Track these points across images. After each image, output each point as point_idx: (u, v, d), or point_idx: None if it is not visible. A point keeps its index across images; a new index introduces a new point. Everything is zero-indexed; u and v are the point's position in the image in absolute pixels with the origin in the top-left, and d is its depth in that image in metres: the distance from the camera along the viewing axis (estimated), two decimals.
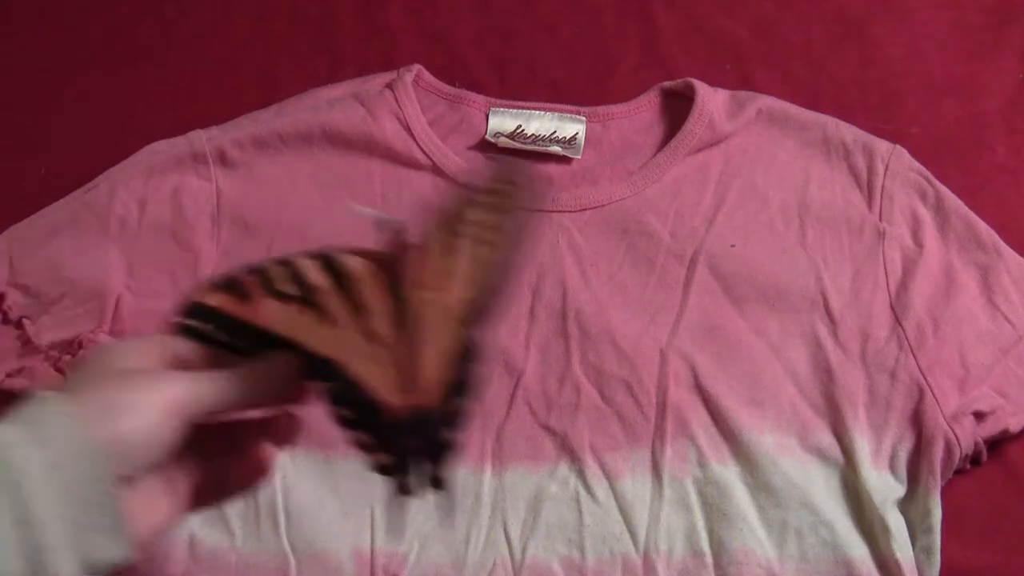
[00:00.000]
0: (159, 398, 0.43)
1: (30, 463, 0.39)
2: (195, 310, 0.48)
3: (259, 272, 0.48)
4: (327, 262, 0.48)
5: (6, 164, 0.73)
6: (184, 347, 0.47)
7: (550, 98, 0.71)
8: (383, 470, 0.47)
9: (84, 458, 0.40)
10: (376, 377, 0.47)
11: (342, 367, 0.47)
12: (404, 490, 0.47)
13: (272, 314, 0.47)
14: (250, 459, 0.47)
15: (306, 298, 0.48)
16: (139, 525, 0.43)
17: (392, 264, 0.48)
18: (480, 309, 0.48)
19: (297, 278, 0.48)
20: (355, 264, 0.48)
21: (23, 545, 0.39)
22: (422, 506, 0.58)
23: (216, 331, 0.47)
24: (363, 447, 0.46)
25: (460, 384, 0.47)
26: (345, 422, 0.47)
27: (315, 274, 0.48)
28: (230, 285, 0.48)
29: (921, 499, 0.57)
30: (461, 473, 0.59)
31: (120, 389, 0.43)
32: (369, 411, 0.47)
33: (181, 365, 0.46)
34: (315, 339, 0.47)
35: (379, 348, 0.48)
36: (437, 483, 0.48)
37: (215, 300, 0.48)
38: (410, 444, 0.47)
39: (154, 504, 0.45)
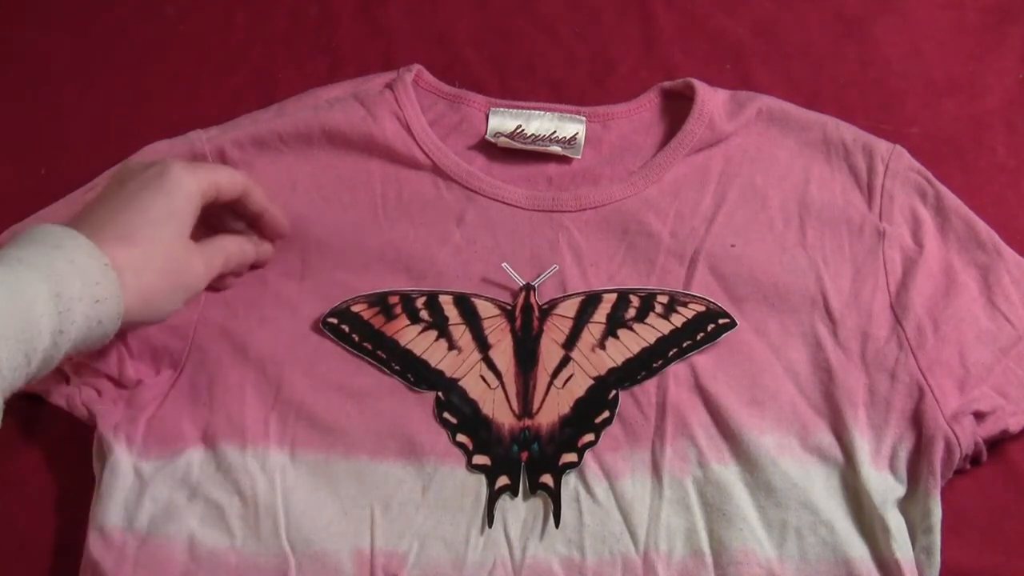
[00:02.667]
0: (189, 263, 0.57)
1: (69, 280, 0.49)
2: (346, 315, 0.62)
3: (404, 297, 0.62)
4: (461, 300, 0.62)
5: (6, 164, 0.73)
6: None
7: (550, 98, 0.72)
8: (482, 470, 0.59)
9: (108, 281, 0.50)
10: (488, 398, 0.61)
11: (457, 383, 0.61)
12: (502, 490, 0.58)
13: (408, 333, 0.62)
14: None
15: (439, 326, 0.62)
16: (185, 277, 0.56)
17: (519, 314, 0.62)
18: (621, 377, 0.60)
19: (434, 308, 0.62)
20: (485, 307, 0.62)
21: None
22: (422, 506, 0.58)
23: (360, 338, 0.61)
24: (463, 448, 0.59)
25: (577, 421, 0.60)
26: (447, 425, 0.60)
27: (450, 308, 0.62)
28: (379, 302, 0.62)
29: (921, 499, 0.57)
30: (461, 473, 0.59)
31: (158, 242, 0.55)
32: (476, 422, 0.60)
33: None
34: (440, 359, 0.61)
35: (495, 376, 0.61)
36: (537, 488, 0.58)
37: (365, 312, 0.62)
38: (516, 454, 0.59)
39: (192, 263, 0.57)
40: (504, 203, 0.66)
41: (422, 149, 0.67)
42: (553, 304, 0.63)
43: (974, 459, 0.60)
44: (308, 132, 0.67)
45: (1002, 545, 0.59)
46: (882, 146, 0.66)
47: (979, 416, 0.59)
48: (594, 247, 0.64)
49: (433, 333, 0.62)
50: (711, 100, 0.68)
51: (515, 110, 0.69)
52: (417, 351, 0.62)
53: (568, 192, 0.66)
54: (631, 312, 0.62)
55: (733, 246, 0.64)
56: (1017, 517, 0.60)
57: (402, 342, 0.62)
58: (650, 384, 0.60)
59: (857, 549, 0.56)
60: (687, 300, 0.62)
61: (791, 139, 0.67)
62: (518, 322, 0.62)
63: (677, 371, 0.61)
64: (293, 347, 0.62)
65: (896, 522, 0.56)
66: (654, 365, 0.61)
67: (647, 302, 0.62)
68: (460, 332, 0.62)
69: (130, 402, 0.60)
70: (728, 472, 0.58)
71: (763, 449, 0.58)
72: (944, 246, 0.63)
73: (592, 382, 0.61)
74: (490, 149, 0.68)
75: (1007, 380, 0.60)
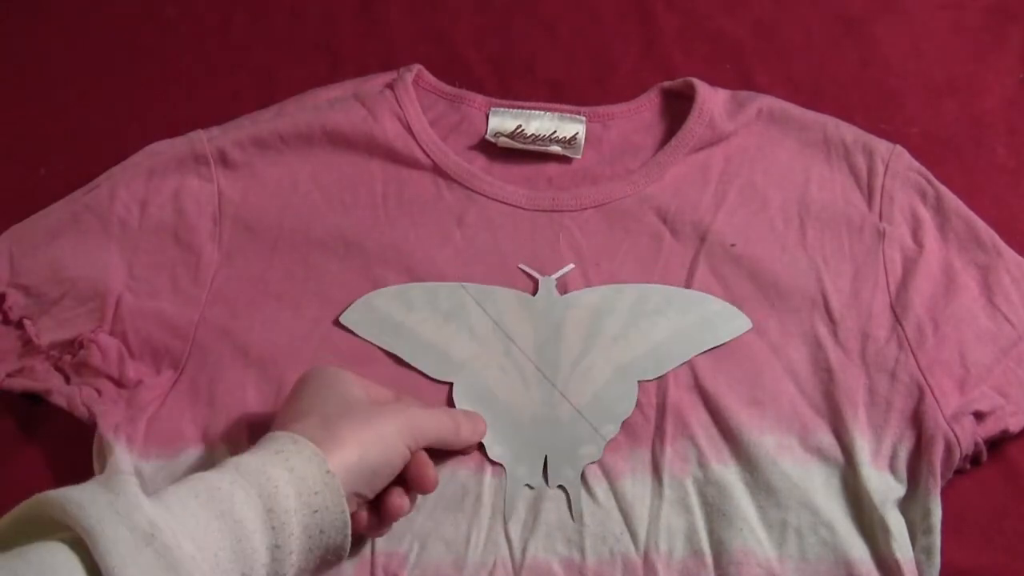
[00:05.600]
0: (400, 433, 0.52)
1: (284, 491, 0.47)
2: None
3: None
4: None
5: (6, 164, 0.73)
6: (377, 390, 0.57)
7: (550, 98, 0.71)
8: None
9: (330, 489, 0.48)
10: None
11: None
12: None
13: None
14: (392, 501, 0.54)
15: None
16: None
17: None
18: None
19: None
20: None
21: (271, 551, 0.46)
22: (422, 507, 0.58)
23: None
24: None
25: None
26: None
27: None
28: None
29: (921, 499, 0.57)
30: (462, 474, 0.59)
31: (365, 421, 0.52)
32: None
33: (377, 399, 0.56)
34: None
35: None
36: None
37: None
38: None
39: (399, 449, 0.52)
40: (504, 203, 0.66)
41: (423, 149, 0.67)
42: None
43: (974, 459, 0.60)
44: (309, 132, 0.67)
45: (1002, 545, 0.59)
46: (882, 146, 0.67)
47: (979, 416, 0.59)
48: (595, 246, 0.64)
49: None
50: (711, 99, 0.68)
51: (515, 110, 0.69)
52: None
53: (568, 192, 0.66)
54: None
55: (733, 245, 0.64)
56: (1017, 517, 0.60)
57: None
58: (650, 384, 0.61)
59: (857, 549, 0.56)
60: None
61: (791, 139, 0.67)
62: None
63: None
64: (294, 347, 0.62)
65: (896, 522, 0.56)
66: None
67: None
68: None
69: (131, 402, 0.60)
70: (728, 472, 0.58)
71: (763, 449, 0.58)
72: (944, 246, 0.63)
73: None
74: (490, 149, 0.68)
75: (1007, 380, 0.60)
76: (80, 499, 0.42)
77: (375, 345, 0.62)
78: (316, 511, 0.48)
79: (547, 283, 0.63)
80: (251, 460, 0.48)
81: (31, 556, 0.41)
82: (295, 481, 0.47)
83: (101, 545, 0.40)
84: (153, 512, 0.43)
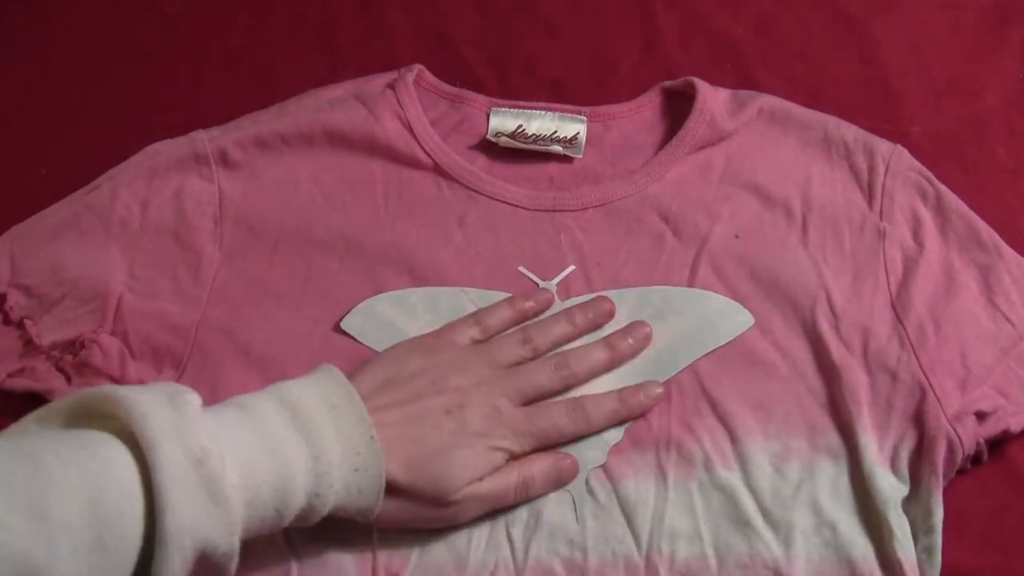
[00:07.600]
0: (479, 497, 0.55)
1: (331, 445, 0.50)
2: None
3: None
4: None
5: (6, 164, 0.73)
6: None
7: (550, 98, 0.71)
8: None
9: (371, 452, 0.51)
10: None
11: None
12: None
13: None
14: None
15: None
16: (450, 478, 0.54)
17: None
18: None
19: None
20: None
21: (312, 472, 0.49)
22: None
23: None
24: None
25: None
26: None
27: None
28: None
29: (923, 499, 0.57)
30: None
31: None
32: None
33: None
34: None
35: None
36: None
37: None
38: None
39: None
40: (506, 203, 0.66)
41: (424, 149, 0.67)
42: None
43: (975, 459, 0.60)
44: (310, 132, 0.67)
45: (1002, 545, 0.59)
46: (883, 146, 0.67)
47: (980, 416, 0.59)
48: (597, 246, 0.64)
49: None
50: (712, 99, 0.68)
51: (516, 110, 0.69)
52: None
53: (570, 191, 0.66)
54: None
55: (737, 239, 0.64)
56: (1017, 517, 0.60)
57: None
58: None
59: (860, 548, 0.56)
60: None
61: (792, 138, 0.67)
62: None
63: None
64: (296, 347, 0.62)
65: (899, 522, 0.56)
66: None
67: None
68: None
69: None
70: (733, 476, 0.58)
71: (768, 451, 0.58)
72: (945, 246, 0.64)
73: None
74: (491, 149, 0.68)
75: (1008, 380, 0.60)
76: (145, 409, 0.44)
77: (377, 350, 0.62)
78: (356, 470, 0.50)
79: (548, 288, 0.63)
80: (305, 405, 0.50)
81: (93, 444, 0.44)
82: (342, 439, 0.50)
83: (154, 459, 0.43)
84: (207, 437, 0.45)
